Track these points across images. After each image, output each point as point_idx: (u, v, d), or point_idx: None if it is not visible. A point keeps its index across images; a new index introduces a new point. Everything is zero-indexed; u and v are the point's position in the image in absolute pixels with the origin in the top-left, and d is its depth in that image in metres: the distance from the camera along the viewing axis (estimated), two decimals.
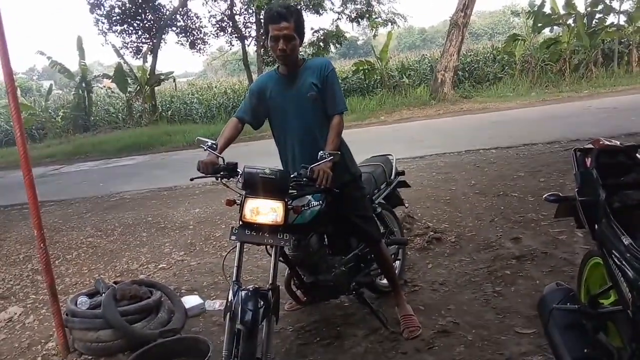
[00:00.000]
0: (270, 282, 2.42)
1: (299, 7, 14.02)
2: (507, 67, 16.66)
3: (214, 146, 2.58)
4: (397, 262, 3.64)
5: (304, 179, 2.46)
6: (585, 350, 1.73)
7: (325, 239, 2.99)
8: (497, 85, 15.79)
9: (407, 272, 3.78)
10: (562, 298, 1.90)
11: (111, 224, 6.20)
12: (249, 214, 2.42)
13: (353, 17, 16.91)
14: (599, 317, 1.82)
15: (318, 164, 2.42)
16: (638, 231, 1.71)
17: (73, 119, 18.90)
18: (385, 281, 3.35)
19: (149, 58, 18.32)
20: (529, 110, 11.71)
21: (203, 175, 2.55)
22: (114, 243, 5.50)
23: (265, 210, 2.40)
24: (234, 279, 2.42)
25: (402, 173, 3.78)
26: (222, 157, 2.57)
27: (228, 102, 18.33)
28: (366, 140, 9.52)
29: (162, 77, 18.50)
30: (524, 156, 7.10)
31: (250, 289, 2.33)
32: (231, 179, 2.55)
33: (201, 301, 3.62)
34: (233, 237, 2.47)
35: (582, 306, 1.84)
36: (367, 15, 16.64)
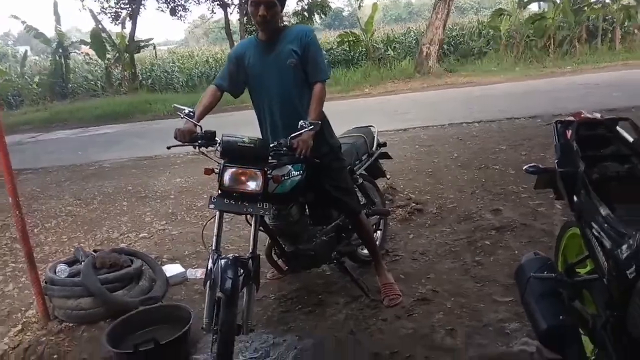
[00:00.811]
0: (250, 250, 2.44)
1: None
2: (492, 42, 16.60)
3: (191, 114, 2.55)
4: (379, 232, 3.68)
5: (284, 149, 2.46)
6: (561, 317, 1.77)
7: (307, 209, 3.00)
8: (481, 59, 15.76)
9: (388, 242, 3.82)
10: (539, 267, 1.94)
11: (91, 193, 6.12)
12: (228, 182, 2.40)
13: None
14: (574, 285, 1.87)
15: (298, 134, 2.42)
16: (616, 202, 1.74)
17: (50, 86, 18.39)
18: (366, 251, 3.37)
19: (128, 24, 17.82)
20: (512, 85, 11.74)
21: (180, 144, 2.52)
22: (94, 212, 5.43)
23: (244, 179, 2.40)
24: (213, 247, 2.41)
25: (384, 145, 3.77)
26: (200, 126, 2.54)
27: (210, 71, 17.97)
28: (350, 112, 9.48)
29: (142, 44, 18.04)
30: (506, 130, 7.15)
31: (230, 258, 2.32)
32: (209, 147, 2.52)
33: (183, 270, 3.61)
34: (212, 206, 2.46)
35: (559, 275, 1.88)
36: None
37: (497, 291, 3.01)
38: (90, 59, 19.47)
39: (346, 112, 9.33)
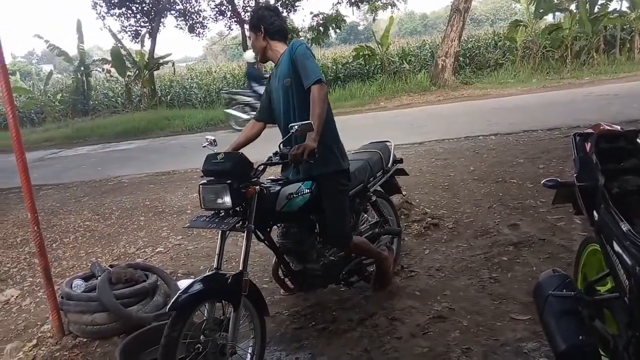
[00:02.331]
0: (240, 267, 2.41)
1: None
2: (508, 54, 16.52)
3: (213, 142, 2.79)
4: (393, 248, 3.57)
5: (276, 157, 2.54)
6: (581, 337, 1.71)
7: (317, 228, 2.94)
8: (498, 71, 15.67)
9: (403, 258, 3.77)
10: (558, 284, 1.88)
11: (109, 208, 6.19)
12: (203, 201, 2.44)
13: (353, 1, 16.72)
14: (595, 304, 1.81)
15: (287, 139, 2.53)
16: (636, 217, 1.69)
17: (72, 103, 18.82)
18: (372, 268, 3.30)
19: (148, 42, 18.16)
20: (529, 96, 11.63)
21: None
22: (112, 227, 5.49)
23: (213, 196, 2.39)
24: (215, 265, 2.44)
25: (400, 161, 3.74)
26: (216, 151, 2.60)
27: (227, 86, 18.19)
28: (365, 126, 9.48)
29: (161, 61, 18.35)
30: (523, 143, 7.06)
31: (210, 274, 2.37)
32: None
33: None
34: (187, 224, 2.62)
35: (578, 293, 1.82)
36: None
37: (514, 309, 2.93)
38: (111, 76, 19.88)
39: (362, 126, 9.34)
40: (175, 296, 2.26)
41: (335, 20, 16.95)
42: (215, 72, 21.03)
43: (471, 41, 17.91)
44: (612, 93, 10.40)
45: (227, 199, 2.34)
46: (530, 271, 3.38)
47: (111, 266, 3.62)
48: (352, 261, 3.12)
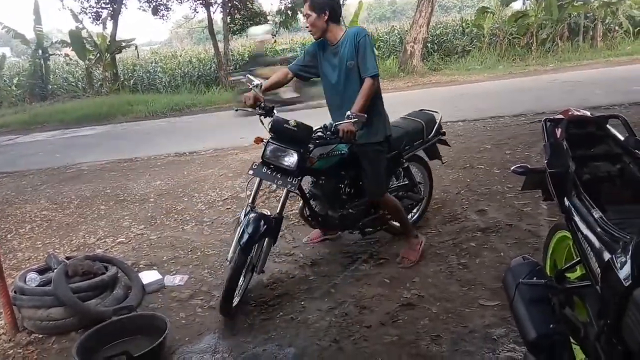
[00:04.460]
0: (278, 211, 2.98)
1: None
2: (475, 40, 16.64)
3: (259, 85, 3.11)
4: (415, 211, 3.99)
5: (327, 133, 2.93)
6: (551, 326, 1.68)
7: (346, 182, 3.40)
8: (465, 58, 15.78)
9: (373, 245, 3.73)
10: (528, 272, 1.85)
11: (67, 197, 5.93)
12: (268, 155, 2.92)
13: None
14: (565, 292, 1.78)
15: (343, 123, 2.84)
16: (607, 204, 1.66)
17: (29, 87, 17.96)
18: (396, 223, 3.69)
19: (110, 24, 17.50)
20: (496, 83, 11.76)
21: (245, 109, 3.17)
22: (70, 216, 5.26)
23: (282, 155, 2.89)
24: (250, 201, 2.98)
25: (443, 133, 3.99)
26: (263, 98, 3.07)
27: (193, 71, 17.74)
28: None
29: (123, 44, 17.71)
30: (490, 129, 7.11)
31: (258, 213, 2.89)
32: (267, 117, 3.03)
33: (160, 277, 3.48)
34: (250, 172, 3.01)
35: (549, 281, 1.80)
36: None
37: (483, 295, 2.93)
38: (71, 59, 19.09)
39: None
40: (239, 235, 2.78)
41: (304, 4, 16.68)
42: (180, 56, 20.41)
43: (439, 27, 17.95)
44: (576, 80, 10.60)
45: (294, 163, 2.86)
46: (498, 257, 3.39)
47: (68, 258, 3.45)
48: (370, 216, 3.52)
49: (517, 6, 17.91)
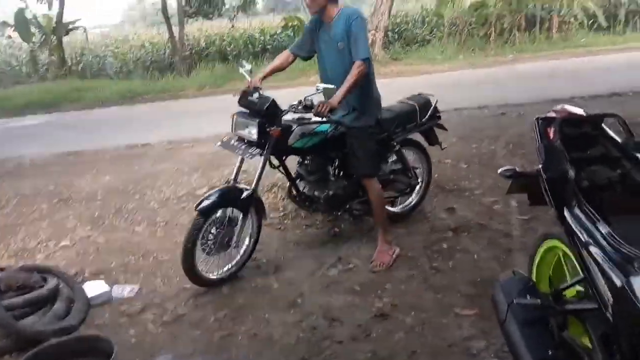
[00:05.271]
0: (252, 186, 3.04)
1: None
2: (435, 30, 16.60)
3: (250, 70, 3.26)
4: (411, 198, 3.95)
5: (299, 107, 3.03)
6: (550, 352, 1.51)
7: (335, 163, 3.46)
8: (425, 47, 15.69)
9: (340, 248, 3.51)
10: (520, 289, 1.67)
11: (5, 195, 5.39)
12: (233, 127, 3.11)
13: None
14: (564, 313, 1.61)
15: (312, 94, 2.97)
16: (612, 215, 1.48)
17: None
18: (393, 209, 3.77)
19: (56, 4, 16.42)
20: (458, 73, 11.71)
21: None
22: (8, 217, 4.77)
23: (244, 127, 3.03)
24: (232, 178, 3.13)
25: (439, 117, 3.91)
26: (254, 80, 3.16)
27: (146, 56, 16.94)
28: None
29: (70, 26, 16.71)
30: (454, 121, 6.95)
31: (230, 187, 3.07)
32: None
33: (107, 288, 3.14)
34: (218, 143, 3.29)
35: (545, 300, 1.61)
36: None
37: (458, 302, 2.77)
38: (14, 42, 17.89)
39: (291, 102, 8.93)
40: (201, 199, 2.93)
41: None
42: (132, 39, 19.46)
43: (400, 16, 17.81)
44: (535, 71, 10.70)
45: (255, 133, 2.95)
46: (470, 259, 3.25)
47: (1, 269, 3.08)
48: (357, 199, 3.50)
49: None
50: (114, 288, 3.17)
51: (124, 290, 3.14)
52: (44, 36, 15.99)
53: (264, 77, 3.22)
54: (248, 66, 3.25)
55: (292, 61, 3.41)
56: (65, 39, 16.72)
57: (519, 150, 5.33)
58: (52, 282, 2.98)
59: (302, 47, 3.39)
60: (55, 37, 15.82)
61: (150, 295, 3.12)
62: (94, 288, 3.11)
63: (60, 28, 15.96)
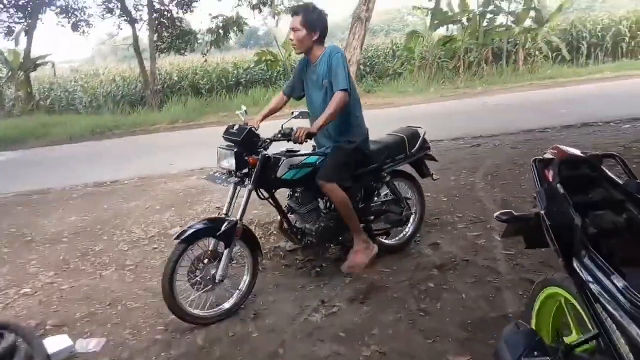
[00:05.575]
0: (238, 217, 3.00)
1: None
2: (406, 63, 16.92)
3: (245, 112, 3.41)
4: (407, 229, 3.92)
5: (279, 135, 3.05)
6: None
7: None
8: (397, 80, 15.97)
9: (322, 290, 3.33)
10: (526, 345, 1.53)
11: None
12: (216, 160, 3.14)
13: (254, 3, 16.19)
14: None
15: (287, 121, 3.02)
16: (623, 265, 1.38)
17: None
18: (388, 241, 3.80)
19: (23, 40, 16.14)
20: (429, 105, 11.87)
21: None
22: None
23: (224, 158, 3.07)
24: (224, 212, 3.05)
25: (428, 148, 3.97)
26: (246, 122, 3.26)
27: (117, 90, 16.72)
28: (268, 133, 8.97)
29: (39, 61, 16.41)
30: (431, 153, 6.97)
31: (212, 217, 3.11)
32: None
33: (70, 343, 2.87)
34: (203, 176, 3.24)
35: (555, 358, 1.48)
36: (270, 2, 16.01)
37: (450, 348, 2.62)
38: None
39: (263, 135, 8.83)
40: (182, 229, 2.86)
41: (236, 23, 16.30)
42: (103, 74, 19.20)
43: (371, 50, 18.14)
44: (505, 103, 10.91)
45: (232, 162, 3.00)
46: (459, 299, 3.11)
47: None
48: (349, 231, 3.43)
49: (443, 31, 18.50)
50: (77, 342, 2.91)
51: (89, 344, 2.88)
52: (10, 72, 15.63)
53: (262, 119, 3.37)
54: (243, 108, 3.44)
55: (287, 102, 3.55)
56: (33, 73, 16.48)
57: (498, 182, 5.31)
58: (9, 338, 2.69)
59: (293, 88, 3.52)
60: (22, 72, 15.50)
61: (118, 349, 2.86)
62: (55, 343, 2.84)
63: (28, 63, 15.71)
